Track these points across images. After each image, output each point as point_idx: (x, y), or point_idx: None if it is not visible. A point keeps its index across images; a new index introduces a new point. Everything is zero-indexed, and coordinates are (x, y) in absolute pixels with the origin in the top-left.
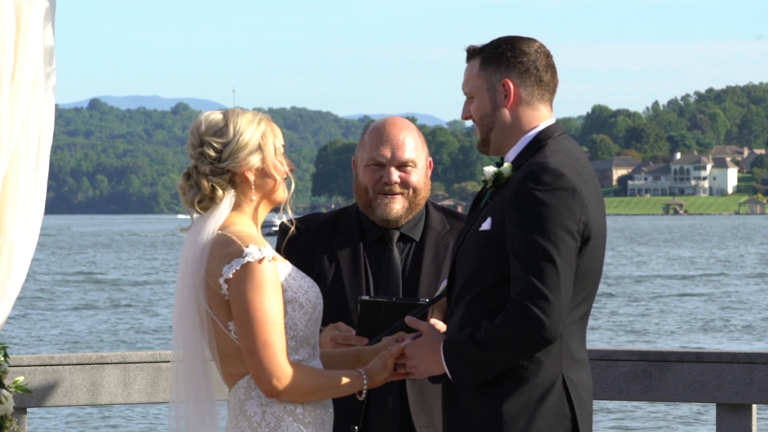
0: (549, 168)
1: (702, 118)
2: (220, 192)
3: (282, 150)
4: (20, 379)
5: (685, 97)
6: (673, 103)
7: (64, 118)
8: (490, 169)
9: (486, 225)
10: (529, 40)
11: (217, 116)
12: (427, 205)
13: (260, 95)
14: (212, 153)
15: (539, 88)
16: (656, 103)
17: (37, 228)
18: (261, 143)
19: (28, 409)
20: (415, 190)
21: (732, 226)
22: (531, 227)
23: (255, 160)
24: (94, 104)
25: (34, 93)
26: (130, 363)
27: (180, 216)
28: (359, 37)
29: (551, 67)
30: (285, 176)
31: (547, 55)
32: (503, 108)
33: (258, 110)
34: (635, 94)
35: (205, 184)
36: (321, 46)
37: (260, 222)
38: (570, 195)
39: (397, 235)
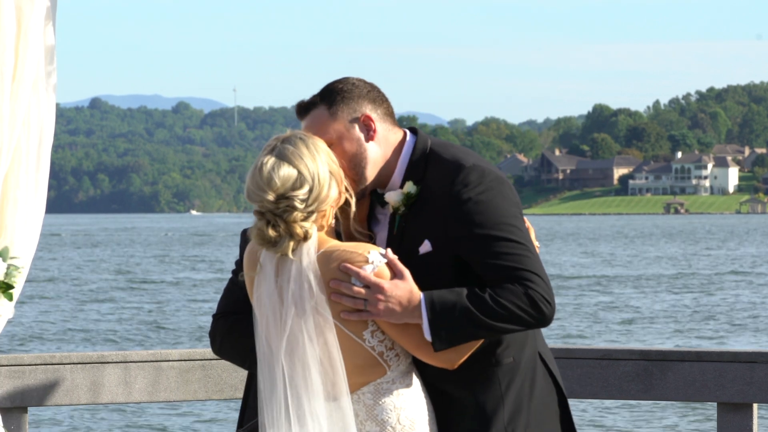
0: (468, 167)
1: (703, 117)
2: (310, 230)
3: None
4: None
5: (686, 96)
6: (674, 102)
7: (65, 117)
8: (394, 194)
9: (426, 247)
10: (349, 78)
11: (289, 171)
12: None
13: (261, 94)
14: (300, 205)
15: (388, 111)
16: (657, 102)
17: (38, 227)
18: (331, 170)
19: (29, 409)
20: None
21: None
22: (489, 226)
23: (334, 192)
24: (95, 103)
25: (34, 92)
26: (130, 362)
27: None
28: (359, 36)
29: (380, 90)
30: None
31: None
32: (369, 142)
33: (258, 109)
34: (636, 94)
35: (299, 231)
36: (321, 45)
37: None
38: (500, 183)
39: None
